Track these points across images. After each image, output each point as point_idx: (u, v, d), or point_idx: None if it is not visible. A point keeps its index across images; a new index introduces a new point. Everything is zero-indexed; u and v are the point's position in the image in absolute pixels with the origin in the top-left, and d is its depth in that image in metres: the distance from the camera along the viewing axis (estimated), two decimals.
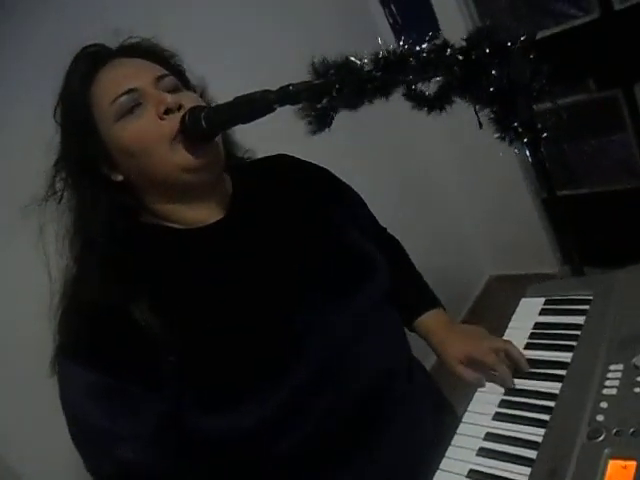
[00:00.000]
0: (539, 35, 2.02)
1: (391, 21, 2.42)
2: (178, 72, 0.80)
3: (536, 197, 2.52)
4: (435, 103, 0.72)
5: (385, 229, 1.10)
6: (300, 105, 0.63)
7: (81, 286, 0.71)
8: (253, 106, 0.62)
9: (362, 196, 1.02)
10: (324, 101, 0.61)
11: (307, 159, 0.96)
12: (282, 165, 0.92)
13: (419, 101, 0.71)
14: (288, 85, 0.59)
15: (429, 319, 0.98)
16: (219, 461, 0.72)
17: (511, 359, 0.84)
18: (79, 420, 0.69)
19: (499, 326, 0.95)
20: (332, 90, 0.59)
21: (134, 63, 0.75)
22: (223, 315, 0.71)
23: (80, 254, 0.73)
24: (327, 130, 0.64)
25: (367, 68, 0.67)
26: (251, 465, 0.73)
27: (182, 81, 0.79)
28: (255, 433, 0.69)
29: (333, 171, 0.97)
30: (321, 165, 0.97)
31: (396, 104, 0.83)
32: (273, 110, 0.61)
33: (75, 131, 0.72)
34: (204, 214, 0.77)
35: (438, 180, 2.68)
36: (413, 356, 0.96)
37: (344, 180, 0.99)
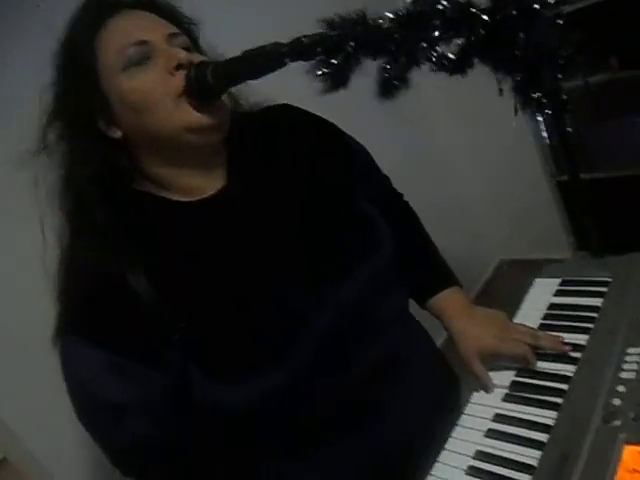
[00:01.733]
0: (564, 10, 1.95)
1: None
2: (191, 35, 0.77)
3: (551, 180, 2.47)
4: (456, 65, 0.67)
5: (401, 195, 1.02)
6: (312, 62, 0.59)
7: (74, 254, 0.70)
8: (263, 60, 0.59)
9: None
10: (339, 58, 0.57)
11: None
12: (285, 119, 0.85)
13: (440, 64, 0.67)
14: (301, 37, 0.55)
15: (445, 300, 0.90)
16: (226, 432, 0.71)
17: (544, 349, 0.79)
18: (86, 396, 0.68)
19: (507, 311, 0.90)
20: (347, 46, 0.55)
21: (148, 16, 0.72)
22: (222, 289, 0.69)
23: (70, 217, 0.70)
24: (341, 90, 0.60)
25: (386, 25, 0.63)
26: (253, 437, 0.72)
27: (194, 45, 0.76)
28: (256, 407, 0.68)
29: None
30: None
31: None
32: (284, 65, 0.58)
33: (75, 78, 0.69)
34: (203, 182, 0.74)
35: (450, 160, 2.62)
36: (420, 327, 0.93)
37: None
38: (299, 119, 0.86)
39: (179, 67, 0.67)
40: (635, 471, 0.55)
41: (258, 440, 0.73)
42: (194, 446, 0.71)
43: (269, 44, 0.58)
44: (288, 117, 0.86)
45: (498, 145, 2.47)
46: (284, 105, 0.87)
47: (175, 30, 0.72)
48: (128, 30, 0.68)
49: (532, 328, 0.83)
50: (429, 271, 0.95)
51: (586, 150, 2.25)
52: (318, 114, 0.88)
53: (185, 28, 0.76)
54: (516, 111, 0.84)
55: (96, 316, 0.66)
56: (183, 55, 0.67)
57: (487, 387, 0.79)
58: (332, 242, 0.76)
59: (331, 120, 0.89)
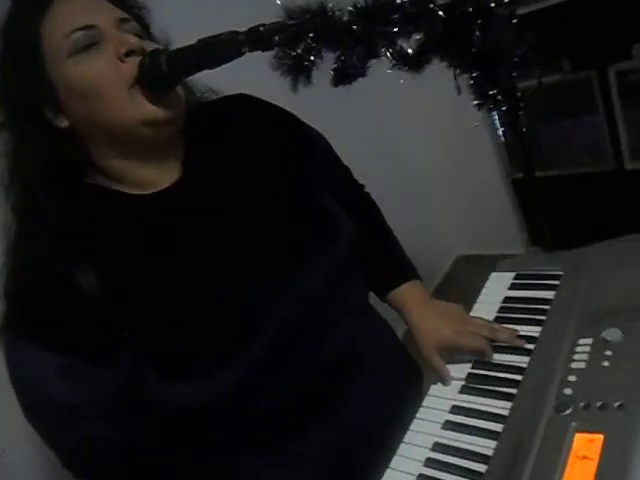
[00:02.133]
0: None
1: None
2: (142, 22, 0.74)
3: (506, 178, 2.53)
4: (415, 61, 0.68)
5: (361, 186, 1.01)
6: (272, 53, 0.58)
7: (19, 250, 0.67)
8: (220, 49, 0.57)
9: None
10: (299, 49, 0.56)
11: None
12: (242, 109, 0.83)
13: (399, 59, 0.67)
14: (258, 26, 0.54)
15: (404, 293, 0.90)
16: (181, 429, 0.70)
17: (501, 342, 0.81)
18: (33, 398, 0.66)
19: (464, 304, 0.92)
20: (307, 36, 0.54)
21: (96, 0, 0.68)
22: (176, 284, 0.67)
23: (16, 211, 0.67)
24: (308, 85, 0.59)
25: (345, 18, 0.63)
26: (209, 434, 0.71)
27: (145, 32, 0.73)
28: (215, 403, 0.67)
29: None
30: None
31: (369, 78, 0.79)
32: (242, 54, 0.56)
33: (19, 64, 0.65)
34: (157, 175, 0.71)
35: (408, 158, 2.65)
36: (381, 319, 0.93)
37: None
38: (257, 109, 0.84)
39: (130, 53, 0.64)
40: (585, 458, 0.57)
41: (213, 437, 0.72)
42: (147, 445, 0.69)
43: (225, 33, 0.57)
44: (246, 107, 0.84)
45: (455, 143, 2.52)
46: (242, 95, 0.85)
47: (125, 15, 0.69)
48: (75, 14, 0.65)
49: (489, 321, 0.85)
50: (389, 264, 0.95)
51: (540, 149, 2.32)
52: (276, 103, 0.87)
53: (135, 14, 0.73)
54: (459, 91, 0.84)
55: (41, 315, 0.64)
56: (134, 41, 0.65)
57: (445, 380, 0.80)
58: (290, 234, 0.75)
59: (288, 109, 0.88)
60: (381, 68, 0.84)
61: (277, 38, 0.52)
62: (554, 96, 2.10)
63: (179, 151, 0.74)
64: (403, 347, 0.98)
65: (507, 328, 0.82)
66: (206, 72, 0.64)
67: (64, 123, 0.67)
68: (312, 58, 0.59)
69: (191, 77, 0.71)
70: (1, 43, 0.67)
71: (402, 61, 0.68)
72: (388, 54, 0.66)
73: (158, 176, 0.71)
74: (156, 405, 0.66)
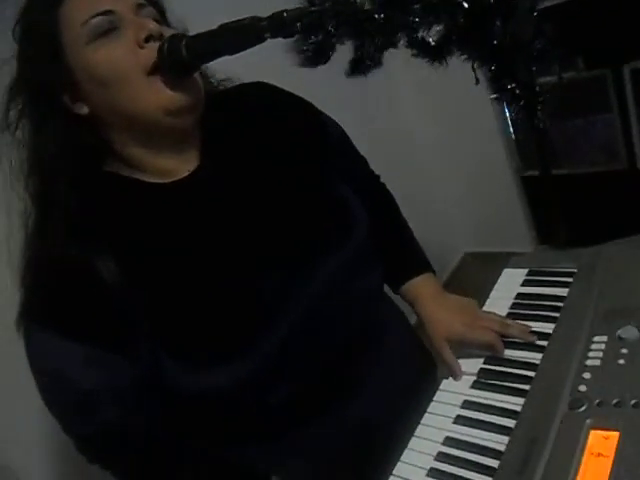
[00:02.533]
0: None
1: None
2: (158, 7, 0.74)
3: (516, 175, 2.52)
4: (436, 52, 0.67)
5: (377, 177, 1.01)
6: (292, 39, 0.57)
7: (39, 239, 0.67)
8: (241, 35, 0.57)
9: None
10: (320, 36, 0.55)
11: None
12: (260, 97, 0.83)
13: (421, 49, 0.66)
14: (282, 11, 0.53)
15: (417, 286, 0.90)
16: (198, 417, 0.70)
17: (512, 337, 0.80)
18: (52, 384, 0.67)
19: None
20: (328, 23, 0.53)
21: None
22: (193, 275, 0.67)
23: (36, 200, 0.67)
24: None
25: (367, 7, 0.62)
26: (223, 421, 0.72)
27: (162, 18, 0.73)
28: (229, 393, 0.67)
29: None
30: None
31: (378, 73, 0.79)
32: (263, 40, 0.56)
33: (36, 51, 0.65)
34: (176, 163, 0.71)
35: (416, 153, 2.64)
36: (396, 309, 0.93)
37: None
38: (274, 97, 0.84)
39: (149, 39, 0.64)
40: (600, 455, 0.56)
41: (228, 424, 0.72)
42: (164, 433, 0.70)
43: (247, 18, 0.56)
44: (263, 95, 0.83)
45: (464, 140, 2.50)
46: (259, 83, 0.84)
47: (142, 1, 0.69)
48: (93, 0, 0.65)
49: (501, 316, 0.84)
50: (404, 256, 0.95)
51: (551, 147, 2.30)
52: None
53: (152, 1, 0.73)
54: (477, 81, 0.83)
55: (60, 304, 0.64)
56: (153, 26, 0.64)
57: (456, 374, 0.79)
58: (306, 226, 0.74)
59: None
60: (390, 64, 0.84)
61: (299, 25, 0.52)
62: (568, 94, 2.08)
63: (197, 140, 0.74)
64: (419, 339, 0.97)
65: (520, 323, 0.82)
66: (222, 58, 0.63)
67: (83, 110, 0.67)
68: (333, 45, 0.58)
69: (209, 65, 0.71)
70: (20, 30, 0.67)
71: (423, 51, 0.67)
72: (410, 44, 0.65)
73: (177, 165, 0.71)
74: (173, 393, 0.66)
